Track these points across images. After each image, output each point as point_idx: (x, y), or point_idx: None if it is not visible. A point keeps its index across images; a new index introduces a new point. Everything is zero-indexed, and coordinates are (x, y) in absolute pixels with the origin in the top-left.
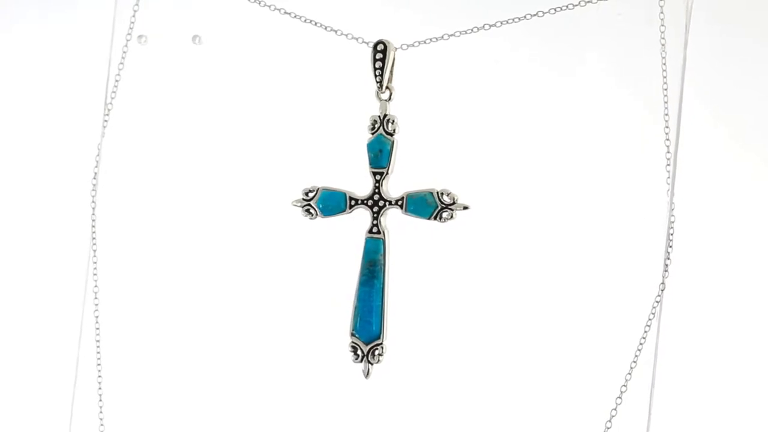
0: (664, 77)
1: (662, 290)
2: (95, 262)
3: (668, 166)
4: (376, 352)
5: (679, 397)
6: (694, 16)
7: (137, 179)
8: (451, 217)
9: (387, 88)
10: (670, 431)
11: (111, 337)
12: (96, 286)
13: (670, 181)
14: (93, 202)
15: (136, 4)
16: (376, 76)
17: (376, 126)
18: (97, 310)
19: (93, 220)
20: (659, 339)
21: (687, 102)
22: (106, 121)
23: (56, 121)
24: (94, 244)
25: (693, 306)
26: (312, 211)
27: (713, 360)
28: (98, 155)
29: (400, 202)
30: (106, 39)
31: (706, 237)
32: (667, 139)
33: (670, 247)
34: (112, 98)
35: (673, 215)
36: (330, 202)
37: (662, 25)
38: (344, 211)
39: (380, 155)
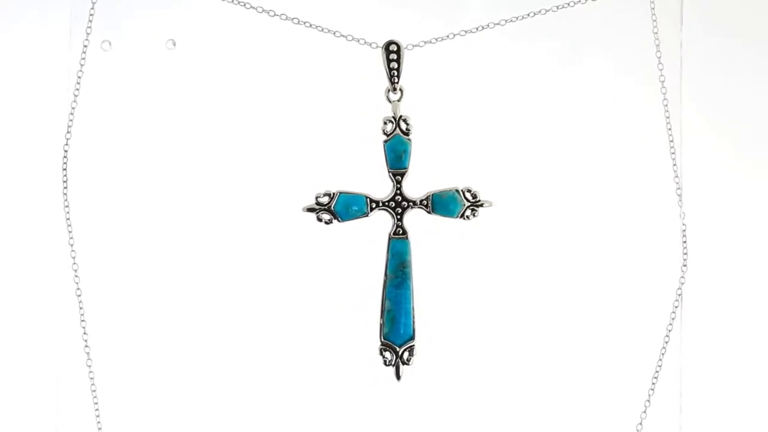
0: (661, 69)
1: (684, 271)
2: (76, 273)
3: (673, 154)
4: (406, 354)
5: (708, 398)
6: (686, 12)
7: (131, 189)
8: (474, 215)
9: (399, 89)
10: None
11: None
12: (81, 305)
13: (677, 169)
14: (66, 206)
15: (92, 8)
16: (391, 77)
17: (392, 127)
18: (84, 332)
19: (69, 225)
20: (682, 335)
21: (685, 95)
22: (69, 132)
23: (23, 130)
24: (73, 252)
25: (713, 299)
26: (329, 216)
27: (739, 357)
28: (65, 165)
29: (425, 202)
30: (69, 46)
31: (717, 227)
32: (670, 129)
33: (685, 238)
34: (73, 108)
35: (680, 202)
36: (352, 206)
37: (653, 16)
38: (365, 214)
39: (403, 156)
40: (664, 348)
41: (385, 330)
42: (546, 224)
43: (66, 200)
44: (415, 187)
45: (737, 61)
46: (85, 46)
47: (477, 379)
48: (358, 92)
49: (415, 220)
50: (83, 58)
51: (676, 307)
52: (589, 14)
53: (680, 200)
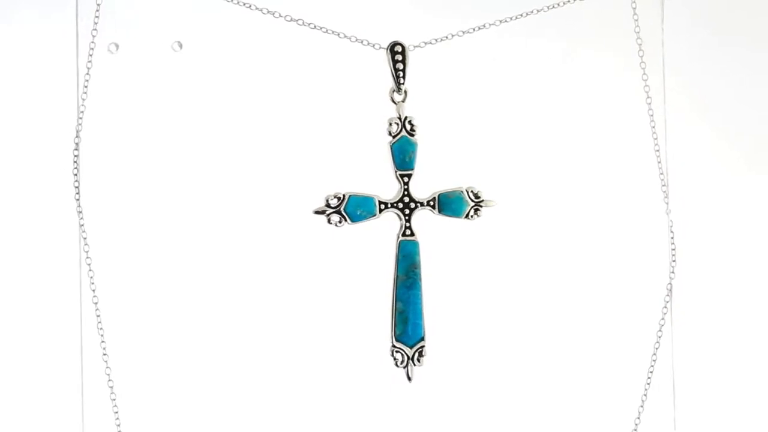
0: (643, 68)
1: (673, 266)
2: (92, 279)
3: (658, 152)
4: (417, 355)
5: (701, 393)
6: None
7: (142, 195)
8: (478, 214)
9: (404, 90)
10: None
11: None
12: (98, 311)
13: (662, 166)
14: (79, 211)
15: (97, 11)
16: (397, 77)
17: (397, 128)
18: (102, 339)
19: (82, 229)
20: (674, 334)
21: (668, 93)
22: (78, 136)
23: (32, 135)
24: (88, 258)
25: (703, 294)
26: (339, 218)
27: (730, 352)
28: (75, 170)
29: (432, 203)
30: (76, 49)
31: (705, 223)
32: (654, 128)
33: (672, 234)
34: (82, 111)
35: (666, 199)
36: (362, 208)
37: (635, 15)
38: (374, 216)
39: (411, 157)
40: (657, 343)
41: (398, 331)
42: (545, 224)
43: (79, 205)
44: (418, 187)
45: (720, 59)
46: (92, 48)
47: (486, 378)
48: (362, 93)
49: (419, 220)
50: (90, 61)
51: (667, 302)
52: (577, 14)
53: (666, 197)
